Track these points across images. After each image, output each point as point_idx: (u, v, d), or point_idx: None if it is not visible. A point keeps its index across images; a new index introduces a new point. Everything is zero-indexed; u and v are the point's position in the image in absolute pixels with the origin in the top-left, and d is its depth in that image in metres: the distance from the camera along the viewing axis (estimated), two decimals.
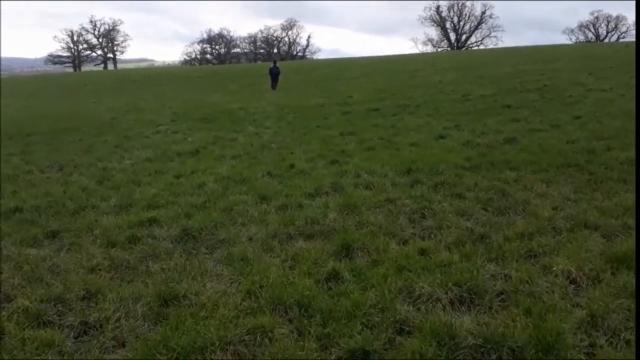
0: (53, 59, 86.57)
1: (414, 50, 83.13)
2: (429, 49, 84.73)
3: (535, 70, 24.26)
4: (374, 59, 52.22)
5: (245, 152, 9.67)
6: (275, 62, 29.73)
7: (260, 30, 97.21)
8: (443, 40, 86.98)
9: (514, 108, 13.40)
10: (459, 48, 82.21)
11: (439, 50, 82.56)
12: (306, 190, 6.15)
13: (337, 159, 8.29)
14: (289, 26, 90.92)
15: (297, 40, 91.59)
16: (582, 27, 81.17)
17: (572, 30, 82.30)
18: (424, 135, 10.29)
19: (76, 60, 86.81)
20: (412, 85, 22.25)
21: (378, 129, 11.76)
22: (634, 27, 75.95)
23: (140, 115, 17.66)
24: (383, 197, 5.73)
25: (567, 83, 17.53)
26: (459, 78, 23.83)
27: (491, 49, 60.50)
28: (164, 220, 5.29)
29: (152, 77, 42.58)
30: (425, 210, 5.14)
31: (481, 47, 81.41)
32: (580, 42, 76.75)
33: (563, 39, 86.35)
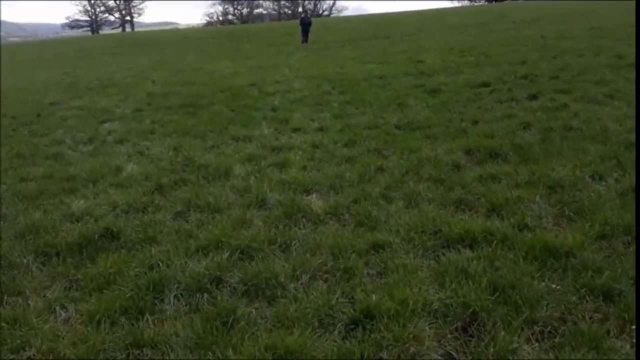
0: (71, 24, 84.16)
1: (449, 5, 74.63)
2: (465, 3, 76.28)
3: None
4: (415, 13, 44.30)
5: (243, 242, 3.30)
6: (306, 12, 28.69)
7: None
8: None
9: None
10: (497, 1, 73.11)
11: (476, 4, 73.86)
12: None
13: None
14: None
15: None
16: None
17: None
18: None
19: (94, 24, 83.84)
20: (502, 43, 15.23)
21: (544, 141, 5.21)
22: None
23: (96, 98, 11.14)
24: None
25: None
26: (565, 31, 16.69)
27: (541, 2, 51.01)
28: None
29: (160, 40, 36.03)
30: None
31: (519, 1, 72.01)
32: None
33: None
